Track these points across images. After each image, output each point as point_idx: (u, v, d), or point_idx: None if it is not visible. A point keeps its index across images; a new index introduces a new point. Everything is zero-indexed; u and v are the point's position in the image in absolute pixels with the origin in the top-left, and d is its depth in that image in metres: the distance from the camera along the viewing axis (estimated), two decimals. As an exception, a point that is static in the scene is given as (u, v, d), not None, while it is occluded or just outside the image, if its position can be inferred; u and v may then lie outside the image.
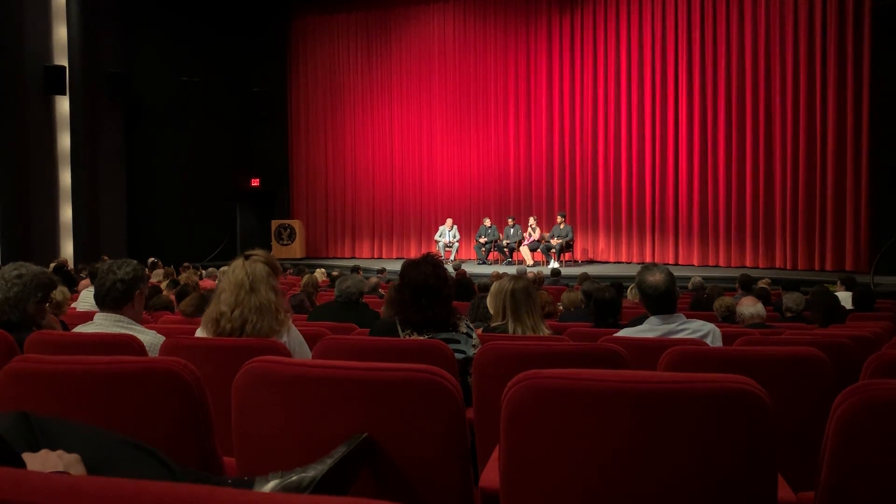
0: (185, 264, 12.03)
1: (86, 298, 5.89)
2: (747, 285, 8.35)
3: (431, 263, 3.13)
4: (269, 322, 2.72)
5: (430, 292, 3.01)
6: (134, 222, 15.92)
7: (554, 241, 13.62)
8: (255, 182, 17.63)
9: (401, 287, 3.03)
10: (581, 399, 1.42)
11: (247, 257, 2.83)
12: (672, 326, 3.21)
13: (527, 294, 3.52)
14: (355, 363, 1.60)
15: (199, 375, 1.69)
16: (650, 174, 14.20)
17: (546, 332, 3.51)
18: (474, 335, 3.09)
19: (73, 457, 1.15)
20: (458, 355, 2.86)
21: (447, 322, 3.02)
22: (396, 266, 4.35)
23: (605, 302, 4.53)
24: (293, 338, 2.84)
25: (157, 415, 1.68)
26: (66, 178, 13.70)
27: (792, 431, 2.27)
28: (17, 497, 0.67)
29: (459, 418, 1.55)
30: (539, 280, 8.96)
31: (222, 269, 2.86)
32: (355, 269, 10.74)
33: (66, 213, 13.72)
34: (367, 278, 7.96)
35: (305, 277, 8.20)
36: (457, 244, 14.97)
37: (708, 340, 3.14)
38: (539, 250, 13.97)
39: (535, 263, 13.72)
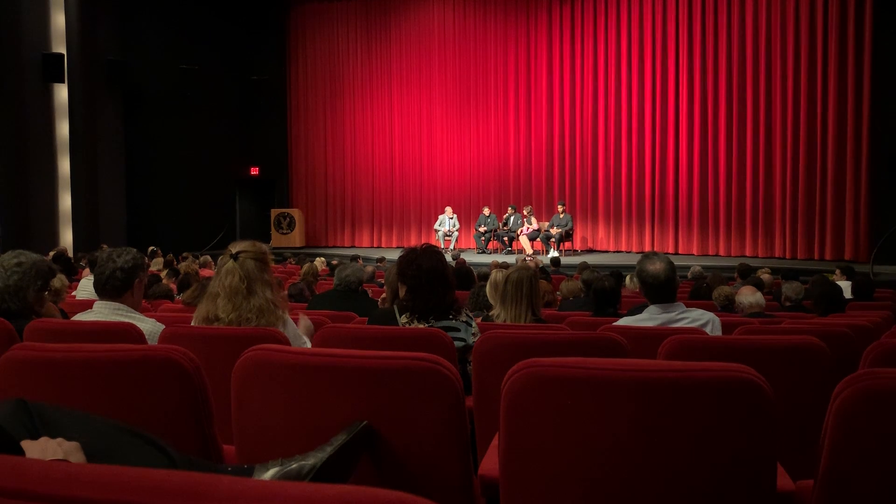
0: (185, 254, 12.01)
1: (85, 287, 5.89)
2: (746, 274, 8.36)
3: (439, 252, 3.18)
4: (268, 320, 2.70)
5: (446, 280, 3.04)
6: (133, 210, 15.91)
7: (553, 231, 13.62)
8: (255, 170, 17.60)
9: (417, 274, 3.02)
10: (581, 387, 1.42)
11: (235, 257, 2.73)
12: (672, 315, 3.21)
13: (516, 284, 3.60)
14: (355, 351, 1.60)
15: (198, 363, 1.69)
16: (650, 163, 14.18)
17: (530, 320, 3.58)
18: (474, 323, 3.10)
19: (73, 444, 1.15)
20: (457, 343, 2.86)
21: (451, 309, 3.03)
22: (396, 255, 4.35)
23: (605, 291, 4.54)
24: (289, 331, 2.83)
25: (157, 403, 1.68)
26: (65, 166, 13.67)
27: (791, 420, 2.27)
28: (17, 485, 0.67)
29: (459, 406, 1.56)
30: (539, 269, 8.96)
31: (220, 257, 2.78)
32: (354, 258, 10.73)
33: (66, 201, 13.70)
34: (364, 267, 7.96)
35: (305, 266, 8.20)
36: (456, 233, 14.96)
37: (707, 329, 3.14)
38: (539, 239, 13.96)
39: (535, 252, 13.72)
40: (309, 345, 2.93)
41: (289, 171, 17.75)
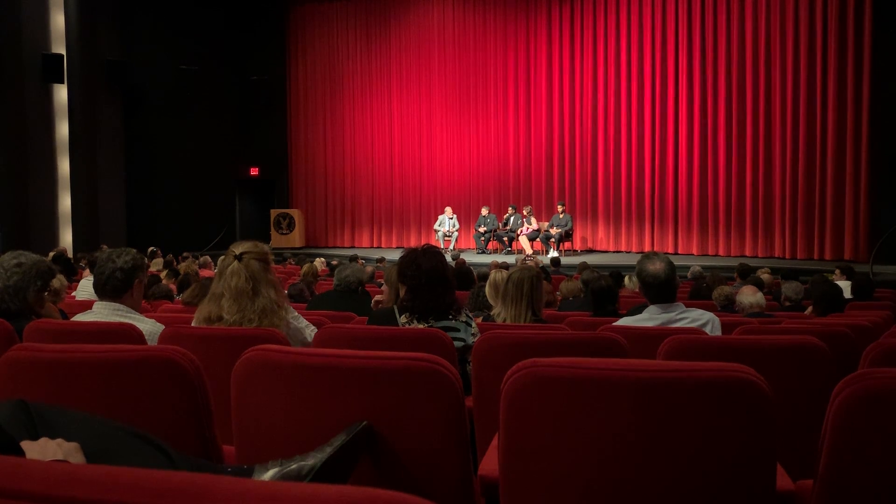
0: (185, 254, 12.02)
1: (85, 287, 5.89)
2: (746, 274, 8.36)
3: (439, 252, 3.19)
4: (271, 321, 2.71)
5: (446, 280, 3.04)
6: (133, 211, 15.91)
7: (553, 231, 13.62)
8: (255, 171, 17.60)
9: (416, 274, 3.02)
10: (580, 387, 1.42)
11: (239, 258, 2.74)
12: (671, 315, 3.21)
13: (517, 284, 3.61)
14: (354, 352, 1.60)
15: (198, 364, 1.69)
16: (650, 163, 14.18)
17: (531, 319, 3.59)
18: (473, 324, 3.10)
19: (73, 445, 1.15)
20: (457, 343, 2.86)
21: (450, 310, 3.03)
22: (396, 255, 4.37)
23: (602, 290, 4.53)
24: (292, 330, 2.83)
25: (157, 403, 1.68)
26: (64, 166, 13.67)
27: (791, 420, 2.27)
28: (16, 485, 0.67)
29: (459, 406, 1.55)
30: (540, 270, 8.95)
31: (221, 257, 2.80)
32: (354, 258, 10.74)
33: (65, 201, 13.70)
34: (364, 267, 7.96)
35: (305, 267, 8.20)
36: (456, 233, 14.95)
37: (707, 329, 3.14)
38: (538, 239, 13.96)
39: (535, 252, 13.71)
40: (312, 335, 2.93)
41: (288, 172, 17.74)
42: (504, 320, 3.63)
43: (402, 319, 3.04)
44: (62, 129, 13.67)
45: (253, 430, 1.68)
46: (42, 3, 13.20)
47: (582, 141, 14.91)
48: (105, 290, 2.95)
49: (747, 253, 13.04)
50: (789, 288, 5.85)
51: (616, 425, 1.40)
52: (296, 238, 16.86)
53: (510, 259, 11.74)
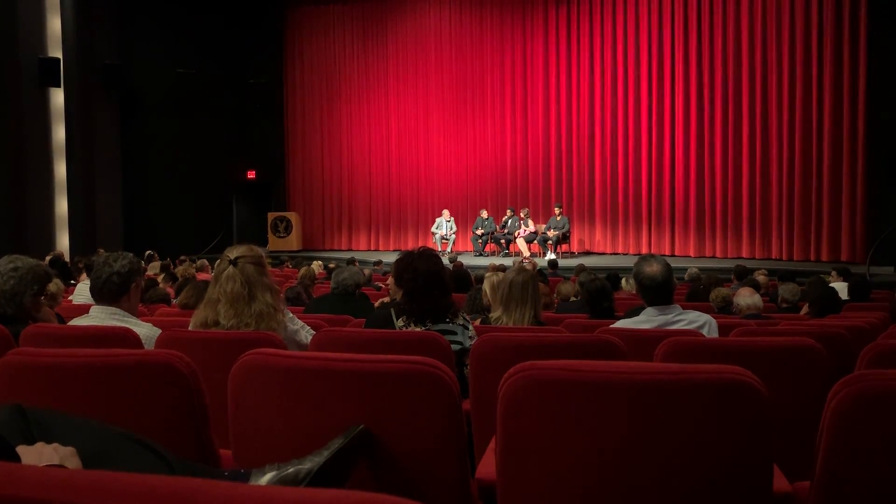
0: (182, 257, 12.00)
1: (82, 291, 5.88)
2: (742, 276, 8.36)
3: (435, 255, 3.19)
4: (268, 324, 2.70)
5: (443, 283, 3.04)
6: (130, 214, 15.90)
7: (550, 233, 13.63)
8: (252, 174, 17.59)
9: (413, 277, 3.02)
10: (578, 390, 1.42)
11: (234, 262, 2.73)
12: (669, 317, 3.21)
13: (520, 287, 3.60)
14: (352, 355, 1.60)
15: (195, 368, 1.69)
16: (647, 165, 14.19)
17: (530, 322, 3.58)
18: (471, 326, 3.10)
19: (69, 450, 1.15)
20: (454, 346, 2.86)
21: (447, 313, 3.03)
22: (393, 258, 4.36)
23: (597, 289, 4.53)
24: (289, 333, 2.83)
25: (154, 407, 1.68)
26: (61, 170, 13.65)
27: (788, 421, 2.27)
28: (12, 491, 0.67)
29: (456, 410, 1.55)
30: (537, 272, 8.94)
31: (217, 261, 2.81)
32: (351, 261, 10.73)
33: (62, 205, 13.68)
34: (362, 270, 7.96)
35: (302, 270, 8.20)
36: (453, 236, 14.95)
37: (704, 331, 3.14)
38: (536, 242, 13.96)
39: (533, 255, 13.71)
40: (308, 337, 2.93)
41: (286, 175, 17.74)
42: (503, 323, 3.63)
43: (399, 322, 3.04)
44: (59, 133, 13.65)
45: (250, 434, 1.68)
46: (38, 6, 13.19)
47: (579, 143, 14.92)
48: (102, 294, 2.95)
49: (744, 254, 13.05)
50: (786, 289, 5.86)
51: (613, 428, 1.40)
52: (293, 241, 16.84)
53: (507, 261, 11.74)
